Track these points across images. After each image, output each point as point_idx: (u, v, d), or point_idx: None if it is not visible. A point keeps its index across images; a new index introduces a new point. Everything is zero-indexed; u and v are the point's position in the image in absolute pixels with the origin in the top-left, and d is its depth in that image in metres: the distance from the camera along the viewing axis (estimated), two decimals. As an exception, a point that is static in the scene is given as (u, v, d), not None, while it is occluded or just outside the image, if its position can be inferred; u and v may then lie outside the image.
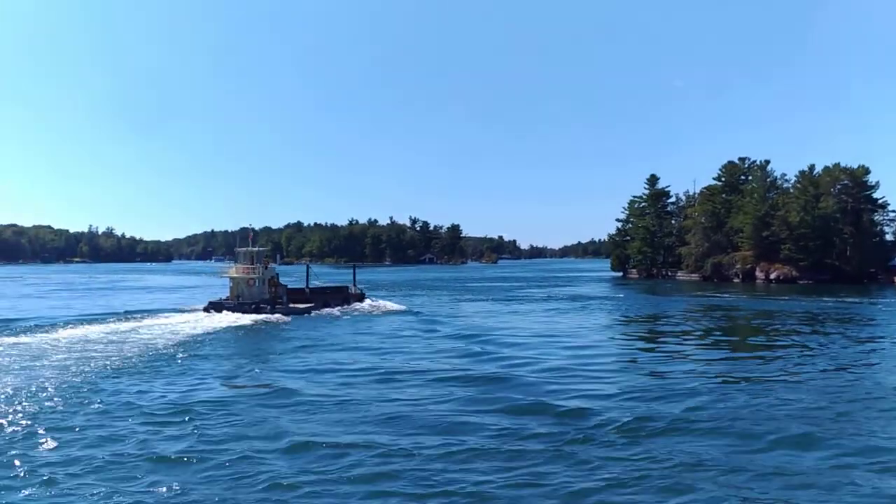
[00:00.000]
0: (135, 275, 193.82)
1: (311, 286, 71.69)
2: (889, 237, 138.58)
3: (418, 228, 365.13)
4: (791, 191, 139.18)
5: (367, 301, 73.10)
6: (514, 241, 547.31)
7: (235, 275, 62.24)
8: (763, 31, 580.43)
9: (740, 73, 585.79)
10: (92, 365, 32.33)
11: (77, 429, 20.74)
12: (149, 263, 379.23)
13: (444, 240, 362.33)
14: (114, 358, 34.91)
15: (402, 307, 70.39)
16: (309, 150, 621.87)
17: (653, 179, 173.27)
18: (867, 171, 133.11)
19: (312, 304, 65.11)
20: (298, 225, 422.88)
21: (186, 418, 22.21)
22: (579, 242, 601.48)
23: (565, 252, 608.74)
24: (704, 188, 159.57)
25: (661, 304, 75.47)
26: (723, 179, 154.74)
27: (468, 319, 59.29)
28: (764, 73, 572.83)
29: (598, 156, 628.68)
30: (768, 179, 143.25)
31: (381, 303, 73.24)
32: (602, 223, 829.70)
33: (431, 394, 26.60)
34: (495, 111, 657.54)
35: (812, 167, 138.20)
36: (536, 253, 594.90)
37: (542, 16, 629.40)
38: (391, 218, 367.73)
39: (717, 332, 49.57)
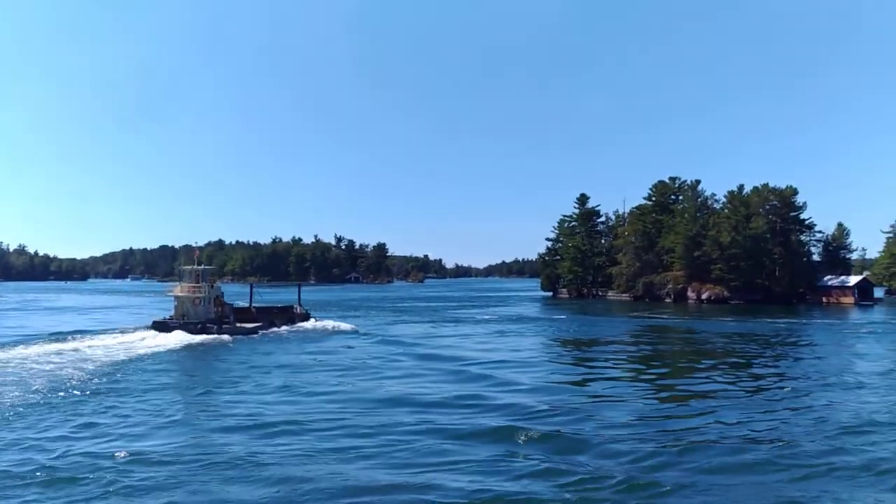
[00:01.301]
0: (49, 294, 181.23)
1: (255, 305, 70.94)
2: (815, 257, 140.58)
3: (343, 247, 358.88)
4: (723, 210, 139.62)
5: (312, 321, 72.36)
6: (440, 261, 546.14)
7: (180, 294, 60.56)
8: (686, 54, 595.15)
9: (667, 97, 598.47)
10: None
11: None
12: (63, 282, 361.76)
13: (370, 259, 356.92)
14: (34, 389, 31.18)
15: (351, 327, 69.15)
16: (231, 166, 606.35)
17: (583, 199, 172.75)
18: (795, 192, 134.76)
19: (260, 324, 64.11)
20: (220, 243, 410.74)
21: (94, 485, 17.50)
22: (503, 262, 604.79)
23: (490, 271, 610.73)
24: (635, 208, 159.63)
25: (606, 327, 72.87)
26: (653, 199, 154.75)
27: (423, 341, 57.48)
28: (690, 96, 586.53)
29: (522, 175, 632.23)
30: (699, 199, 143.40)
31: (328, 323, 72.07)
32: (525, 243, 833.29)
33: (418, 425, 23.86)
34: (421, 129, 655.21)
35: (741, 187, 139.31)
36: (462, 272, 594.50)
37: (469, 34, 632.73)
38: (316, 236, 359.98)
39: (681, 357, 46.74)
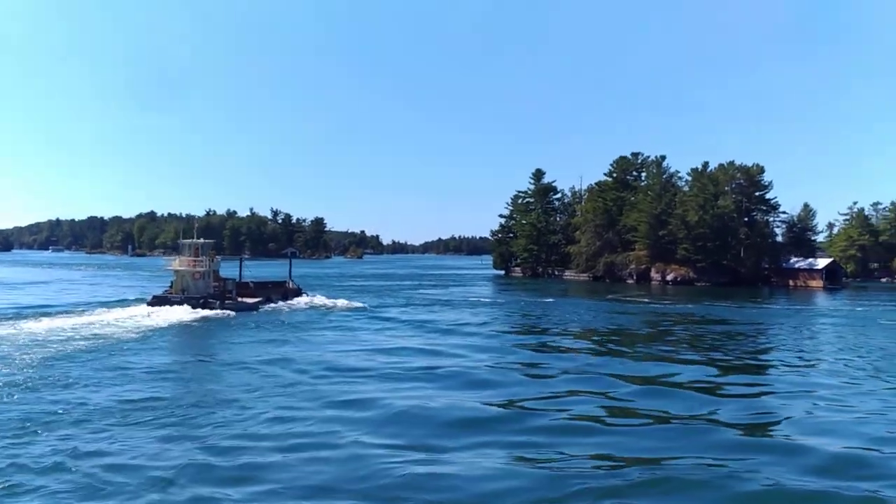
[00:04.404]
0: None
1: (245, 281, 67.95)
2: (779, 239, 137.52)
3: (280, 221, 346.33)
4: (687, 189, 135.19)
5: (305, 296, 71.15)
6: (377, 237, 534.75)
7: (180, 267, 59.12)
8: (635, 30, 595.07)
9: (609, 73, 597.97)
10: None
11: None
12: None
13: (308, 233, 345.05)
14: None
15: (356, 304, 67.70)
16: (163, 136, 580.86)
17: (538, 174, 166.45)
18: (762, 170, 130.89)
19: (260, 300, 62.91)
20: (152, 214, 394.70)
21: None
22: (440, 239, 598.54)
23: (426, 248, 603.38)
24: (594, 184, 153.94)
25: (608, 312, 66.55)
26: (614, 175, 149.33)
27: (435, 325, 52.95)
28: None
29: (461, 152, 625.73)
30: (664, 176, 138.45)
31: (321, 299, 70.50)
32: (462, 220, 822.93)
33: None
34: (360, 105, 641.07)
35: (706, 165, 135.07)
36: (398, 248, 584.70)
37: (413, 10, 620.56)
38: (251, 209, 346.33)
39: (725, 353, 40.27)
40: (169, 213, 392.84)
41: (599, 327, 53.30)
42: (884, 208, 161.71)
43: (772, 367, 35.19)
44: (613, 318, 60.32)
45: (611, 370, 32.56)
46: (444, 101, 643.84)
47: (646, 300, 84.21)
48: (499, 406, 24.24)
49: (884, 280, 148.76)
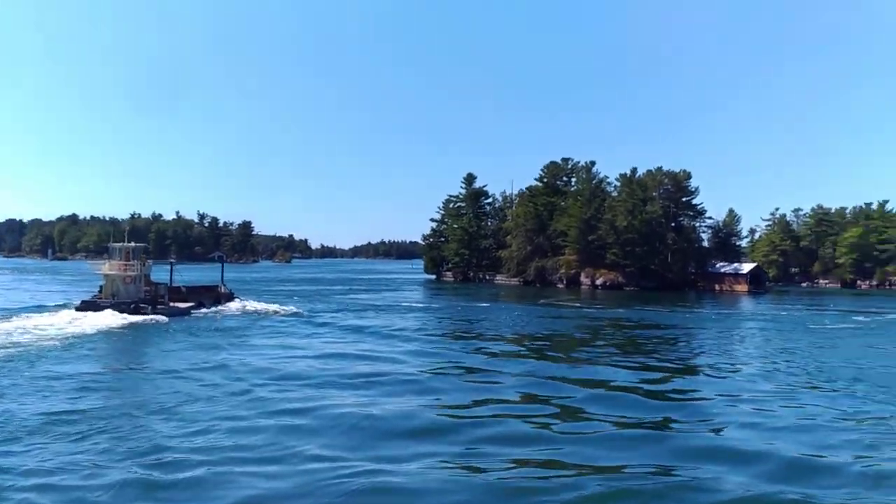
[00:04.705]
0: None
1: (177, 285, 66.55)
2: (705, 244, 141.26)
3: (207, 224, 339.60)
4: (618, 194, 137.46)
5: (237, 301, 70.54)
6: (306, 240, 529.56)
7: (110, 272, 58.00)
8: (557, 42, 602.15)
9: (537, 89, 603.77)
10: None
11: None
12: None
13: (235, 237, 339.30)
14: None
15: (291, 309, 65.76)
16: (87, 135, 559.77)
17: (470, 178, 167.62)
18: (689, 176, 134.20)
19: (192, 305, 61.93)
20: (73, 217, 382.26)
21: None
22: (370, 243, 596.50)
23: (356, 252, 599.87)
24: (525, 189, 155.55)
25: (539, 319, 66.53)
26: (545, 180, 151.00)
27: (370, 330, 52.22)
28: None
29: (391, 155, 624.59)
30: (594, 181, 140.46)
31: (254, 304, 69.76)
32: (392, 224, 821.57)
33: None
34: (288, 105, 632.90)
35: (634, 170, 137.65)
36: (327, 252, 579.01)
37: (343, 20, 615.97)
38: (177, 212, 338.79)
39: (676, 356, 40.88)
40: (92, 216, 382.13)
41: (534, 332, 53.63)
42: (804, 214, 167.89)
43: (707, 372, 35.53)
44: (547, 323, 60.83)
45: (552, 374, 32.70)
46: (377, 104, 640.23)
47: (577, 305, 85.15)
48: (445, 414, 23.92)
49: (804, 284, 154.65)
